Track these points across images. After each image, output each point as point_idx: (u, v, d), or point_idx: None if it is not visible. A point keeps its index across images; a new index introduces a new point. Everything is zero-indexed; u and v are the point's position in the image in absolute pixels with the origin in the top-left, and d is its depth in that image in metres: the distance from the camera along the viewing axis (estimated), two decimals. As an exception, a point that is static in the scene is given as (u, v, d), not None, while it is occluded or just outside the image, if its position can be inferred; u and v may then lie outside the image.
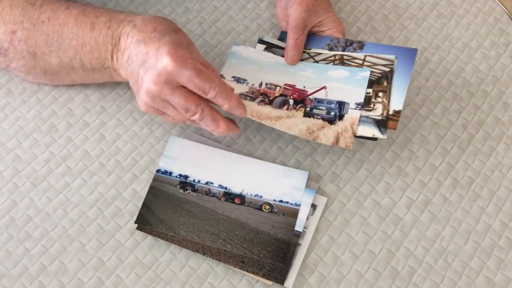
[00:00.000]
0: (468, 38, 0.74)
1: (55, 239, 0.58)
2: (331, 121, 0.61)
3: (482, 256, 0.60)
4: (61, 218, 0.59)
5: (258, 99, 0.62)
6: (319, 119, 0.61)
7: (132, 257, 0.58)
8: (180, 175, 0.62)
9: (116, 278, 0.57)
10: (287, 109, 0.62)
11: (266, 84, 0.64)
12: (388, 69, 0.63)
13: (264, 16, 0.74)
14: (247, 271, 0.57)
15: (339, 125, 0.60)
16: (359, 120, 0.60)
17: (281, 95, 0.63)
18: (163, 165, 0.62)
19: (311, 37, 0.67)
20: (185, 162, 0.63)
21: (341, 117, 0.61)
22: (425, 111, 0.68)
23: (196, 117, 0.56)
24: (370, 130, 0.60)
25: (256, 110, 0.61)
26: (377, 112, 0.61)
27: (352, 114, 0.61)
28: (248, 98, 0.62)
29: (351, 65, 0.65)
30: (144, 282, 0.57)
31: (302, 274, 0.58)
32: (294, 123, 0.61)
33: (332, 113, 0.61)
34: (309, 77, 0.65)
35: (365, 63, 0.65)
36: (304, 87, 0.64)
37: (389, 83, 0.62)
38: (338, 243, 0.60)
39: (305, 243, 0.59)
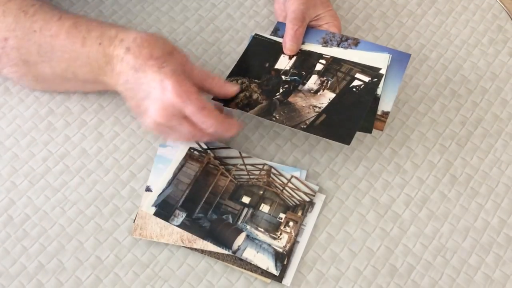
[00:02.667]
0: (467, 35, 0.74)
1: (53, 238, 0.58)
2: None
3: (481, 253, 0.60)
4: (59, 217, 0.59)
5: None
6: None
7: (130, 255, 0.58)
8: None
9: (114, 276, 0.57)
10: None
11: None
12: (308, 199, 0.60)
13: (262, 13, 0.74)
14: (245, 268, 0.57)
15: None
16: (260, 247, 0.57)
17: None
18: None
19: (307, 30, 0.67)
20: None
21: None
22: (423, 108, 0.68)
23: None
24: (265, 262, 0.56)
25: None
26: (281, 243, 0.57)
27: None
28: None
29: (275, 181, 0.61)
30: (142, 280, 0.56)
31: (300, 271, 0.58)
32: None
33: None
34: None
35: (289, 183, 0.61)
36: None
37: (304, 215, 0.59)
38: (336, 240, 0.60)
39: (303, 240, 0.59)
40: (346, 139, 0.56)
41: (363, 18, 0.75)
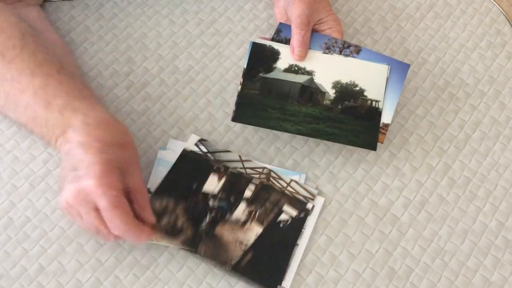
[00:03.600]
0: (465, 39, 0.74)
1: (53, 240, 0.58)
2: None
3: (479, 256, 0.60)
4: (60, 219, 0.60)
5: None
6: None
7: (130, 257, 0.58)
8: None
9: (115, 279, 0.57)
10: None
11: None
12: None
13: (261, 17, 0.75)
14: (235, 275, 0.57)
15: None
16: None
17: None
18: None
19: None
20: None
21: None
22: (422, 111, 0.69)
23: (108, 240, 0.55)
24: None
25: None
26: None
27: None
28: None
29: (275, 185, 0.62)
30: (142, 283, 0.57)
31: (299, 274, 0.58)
32: None
33: None
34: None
35: (289, 187, 0.62)
36: None
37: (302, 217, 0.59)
38: (335, 243, 0.60)
39: (302, 243, 0.59)
40: (271, 285, 0.56)
41: (362, 22, 0.75)
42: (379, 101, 0.63)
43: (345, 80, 0.64)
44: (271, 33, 0.73)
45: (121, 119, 0.66)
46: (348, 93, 0.64)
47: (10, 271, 0.57)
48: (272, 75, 0.64)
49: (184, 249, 0.57)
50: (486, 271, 0.59)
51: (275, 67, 0.65)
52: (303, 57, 0.66)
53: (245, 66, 0.66)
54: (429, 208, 0.62)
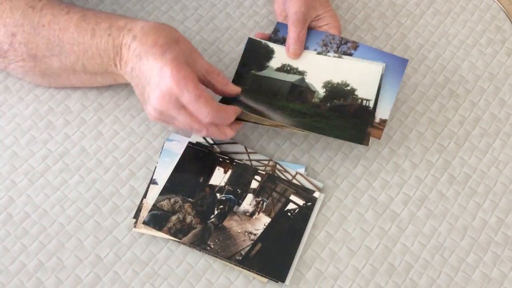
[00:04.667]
0: (465, 35, 0.74)
1: (52, 236, 0.58)
2: None
3: (479, 252, 0.60)
4: (59, 215, 0.59)
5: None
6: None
7: (129, 253, 0.58)
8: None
9: (114, 275, 0.57)
10: None
11: None
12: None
13: (261, 13, 0.75)
14: (243, 268, 0.57)
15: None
16: None
17: None
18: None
19: (307, 31, 0.68)
20: None
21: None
22: (421, 107, 0.69)
23: (201, 134, 0.58)
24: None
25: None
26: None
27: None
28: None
29: (281, 177, 0.61)
30: (142, 279, 0.57)
31: (299, 270, 0.58)
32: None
33: None
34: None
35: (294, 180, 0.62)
36: None
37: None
38: (335, 239, 0.60)
39: (302, 239, 0.59)
40: (280, 276, 0.56)
41: (362, 18, 0.75)
42: (370, 100, 0.62)
43: (336, 80, 0.63)
44: (270, 29, 0.73)
45: (120, 114, 0.66)
46: (339, 92, 0.63)
47: (9, 266, 0.56)
48: (263, 73, 0.64)
49: (193, 246, 0.57)
50: (486, 267, 0.59)
51: (267, 66, 0.64)
52: (298, 54, 0.66)
53: (239, 68, 0.66)
54: (428, 205, 0.62)
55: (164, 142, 0.64)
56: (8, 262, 0.57)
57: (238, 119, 0.60)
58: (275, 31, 0.69)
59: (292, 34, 0.65)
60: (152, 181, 0.61)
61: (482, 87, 0.71)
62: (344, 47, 0.67)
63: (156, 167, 0.62)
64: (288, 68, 0.64)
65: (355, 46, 0.67)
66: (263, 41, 0.66)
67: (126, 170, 0.62)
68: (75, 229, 0.59)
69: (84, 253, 0.58)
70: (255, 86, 0.63)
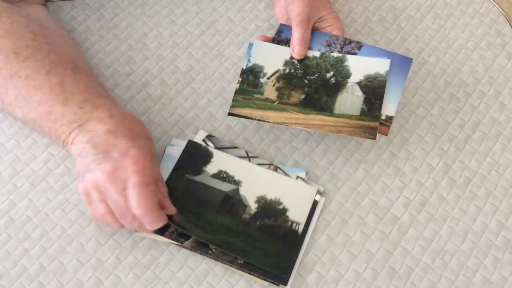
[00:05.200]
0: (465, 39, 0.75)
1: (54, 239, 0.58)
2: None
3: (479, 256, 0.60)
4: (60, 219, 0.60)
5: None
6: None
7: (131, 257, 0.58)
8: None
9: (115, 278, 0.57)
10: None
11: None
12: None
13: (262, 17, 0.75)
14: (244, 271, 0.57)
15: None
16: None
17: None
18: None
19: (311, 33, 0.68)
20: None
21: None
22: (422, 111, 0.69)
23: (131, 225, 0.55)
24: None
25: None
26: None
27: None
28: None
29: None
30: (143, 282, 0.57)
31: (300, 273, 0.58)
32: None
33: None
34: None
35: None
36: None
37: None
38: (336, 242, 0.60)
39: (303, 243, 0.59)
40: (281, 279, 0.56)
41: (363, 22, 0.75)
42: (300, 223, 0.59)
43: (270, 196, 0.61)
44: (271, 33, 0.73)
45: (122, 119, 0.66)
46: (270, 210, 0.60)
47: (11, 270, 0.57)
48: (198, 178, 0.61)
49: (195, 250, 0.58)
50: (486, 271, 0.59)
51: (204, 170, 0.62)
52: (302, 55, 0.66)
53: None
54: (429, 208, 0.63)
55: (166, 147, 0.64)
56: (9, 265, 0.57)
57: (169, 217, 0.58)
58: (279, 32, 0.69)
59: (296, 35, 0.66)
60: None
61: (482, 90, 0.71)
62: (348, 47, 0.67)
63: None
64: (224, 175, 0.62)
65: (359, 46, 0.67)
66: (203, 144, 0.63)
67: (128, 174, 0.63)
68: (76, 232, 0.59)
69: (85, 257, 0.58)
70: (187, 191, 0.60)
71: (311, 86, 0.63)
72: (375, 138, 0.60)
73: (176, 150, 0.63)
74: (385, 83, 0.63)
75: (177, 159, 0.62)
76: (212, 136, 0.65)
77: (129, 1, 0.75)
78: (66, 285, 0.56)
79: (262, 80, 0.65)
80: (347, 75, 0.64)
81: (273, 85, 0.64)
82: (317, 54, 0.66)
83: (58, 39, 0.64)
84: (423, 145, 0.66)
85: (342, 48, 0.67)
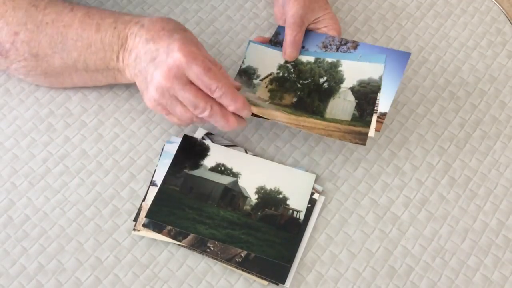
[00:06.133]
0: (465, 38, 0.74)
1: (53, 238, 0.58)
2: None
3: (479, 255, 0.60)
4: (59, 217, 0.59)
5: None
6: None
7: (130, 256, 0.58)
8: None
9: (114, 277, 0.57)
10: None
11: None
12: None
13: (261, 15, 0.75)
14: (243, 270, 0.57)
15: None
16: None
17: None
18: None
19: (306, 34, 0.68)
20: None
21: None
22: (422, 110, 0.69)
23: (205, 114, 0.55)
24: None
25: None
26: None
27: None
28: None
29: None
30: (142, 281, 0.57)
31: (299, 272, 0.58)
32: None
33: None
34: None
35: None
36: None
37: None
38: (335, 241, 0.60)
39: (302, 241, 0.59)
40: (280, 278, 0.56)
41: (363, 21, 0.75)
42: (301, 211, 0.60)
43: (269, 186, 0.61)
44: (271, 32, 0.73)
45: (121, 117, 0.66)
46: (271, 200, 0.60)
47: (10, 269, 0.56)
48: (197, 172, 0.61)
49: (193, 248, 0.57)
50: (487, 270, 0.59)
51: (201, 164, 0.62)
52: (294, 57, 0.66)
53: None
54: (429, 207, 0.62)
55: (164, 144, 0.64)
56: (8, 264, 0.57)
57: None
58: (276, 34, 0.69)
59: (288, 37, 0.65)
60: (152, 183, 0.61)
61: (483, 89, 0.71)
62: (344, 47, 0.67)
63: (156, 169, 0.62)
64: (222, 168, 0.62)
65: (355, 45, 0.67)
66: (199, 139, 0.63)
67: (127, 172, 0.62)
68: (75, 231, 0.59)
69: (84, 256, 0.58)
70: (186, 187, 0.60)
71: (304, 90, 0.63)
72: (364, 144, 0.59)
73: (175, 147, 0.63)
74: (379, 89, 0.62)
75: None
76: (211, 134, 0.65)
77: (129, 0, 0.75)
78: (64, 284, 0.56)
79: (255, 81, 0.64)
80: (341, 80, 0.64)
81: (266, 87, 0.64)
82: (311, 59, 0.65)
83: None
84: (423, 144, 0.66)
85: (338, 49, 0.67)
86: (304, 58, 0.65)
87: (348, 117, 0.61)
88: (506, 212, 0.62)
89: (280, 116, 0.60)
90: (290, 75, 0.64)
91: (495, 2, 0.78)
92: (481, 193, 0.63)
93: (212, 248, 0.57)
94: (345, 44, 0.67)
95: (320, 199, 0.62)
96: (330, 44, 0.67)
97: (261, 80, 0.64)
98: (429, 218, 0.62)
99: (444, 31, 0.75)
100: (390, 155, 0.65)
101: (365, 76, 0.63)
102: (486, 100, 0.70)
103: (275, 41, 0.68)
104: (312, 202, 0.61)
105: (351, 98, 0.62)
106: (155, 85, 0.54)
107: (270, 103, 0.62)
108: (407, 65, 0.68)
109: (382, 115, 0.62)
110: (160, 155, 0.63)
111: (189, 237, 0.58)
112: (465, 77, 0.71)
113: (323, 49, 0.67)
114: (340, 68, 0.64)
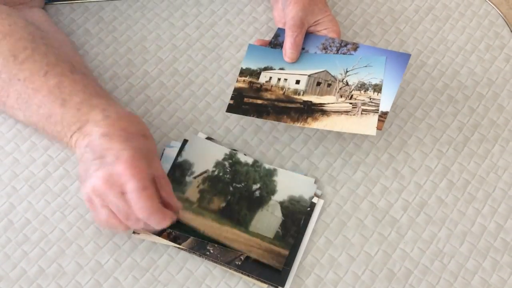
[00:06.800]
0: (463, 41, 0.75)
1: (53, 242, 0.59)
2: None
3: (478, 258, 0.60)
4: (59, 221, 0.60)
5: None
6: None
7: (129, 259, 0.58)
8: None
9: (114, 281, 0.57)
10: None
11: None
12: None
13: (261, 20, 0.75)
14: (243, 273, 0.57)
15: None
16: None
17: None
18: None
19: (306, 36, 0.68)
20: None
21: None
22: (420, 113, 0.69)
23: (139, 225, 0.55)
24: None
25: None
26: None
27: None
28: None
29: None
30: (142, 285, 0.57)
31: (299, 276, 0.58)
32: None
33: None
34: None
35: None
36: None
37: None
38: (334, 245, 0.60)
39: (302, 245, 0.59)
40: (279, 282, 0.57)
41: (361, 25, 0.75)
42: (302, 215, 0.60)
43: (270, 187, 0.62)
44: (270, 35, 0.73)
45: (121, 121, 0.66)
46: (271, 202, 0.61)
47: (10, 273, 0.57)
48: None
49: (192, 250, 0.58)
50: (485, 273, 0.59)
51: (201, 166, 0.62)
52: (294, 59, 0.66)
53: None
54: (428, 210, 0.63)
55: (164, 148, 0.64)
56: (9, 268, 0.57)
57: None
58: (276, 36, 0.69)
59: (288, 39, 0.66)
60: None
61: (481, 93, 0.71)
62: (344, 49, 0.67)
63: None
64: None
65: (355, 47, 0.67)
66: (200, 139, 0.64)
67: (127, 176, 0.63)
68: (75, 235, 0.59)
69: (84, 259, 0.58)
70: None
71: (235, 195, 0.61)
72: (280, 269, 0.57)
73: (175, 152, 0.64)
74: (306, 210, 0.61)
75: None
76: (211, 139, 0.65)
77: (128, 4, 0.75)
78: (65, 288, 0.56)
79: (188, 178, 0.62)
80: (272, 192, 0.62)
81: (197, 186, 0.62)
82: (250, 160, 0.64)
83: (56, 42, 0.64)
84: (421, 147, 0.67)
85: (338, 50, 0.67)
86: (243, 158, 0.64)
87: (271, 234, 0.59)
88: (504, 215, 0.63)
89: (204, 226, 0.59)
90: (225, 175, 0.62)
91: (493, 6, 0.78)
92: (479, 196, 0.64)
93: (211, 251, 0.58)
94: (345, 45, 0.67)
95: (319, 202, 0.62)
96: (330, 46, 0.67)
97: (194, 177, 0.62)
98: (427, 222, 0.62)
99: (442, 35, 0.75)
100: (389, 158, 0.66)
101: (296, 193, 0.62)
102: (484, 103, 0.70)
103: (275, 43, 0.69)
104: (311, 205, 0.61)
105: (278, 213, 0.60)
106: (92, 183, 0.53)
107: (197, 206, 0.60)
108: (406, 69, 0.68)
109: (384, 114, 0.62)
110: (160, 159, 0.63)
111: (189, 240, 0.58)
112: (463, 81, 0.72)
113: (323, 51, 0.67)
114: (275, 178, 0.63)
